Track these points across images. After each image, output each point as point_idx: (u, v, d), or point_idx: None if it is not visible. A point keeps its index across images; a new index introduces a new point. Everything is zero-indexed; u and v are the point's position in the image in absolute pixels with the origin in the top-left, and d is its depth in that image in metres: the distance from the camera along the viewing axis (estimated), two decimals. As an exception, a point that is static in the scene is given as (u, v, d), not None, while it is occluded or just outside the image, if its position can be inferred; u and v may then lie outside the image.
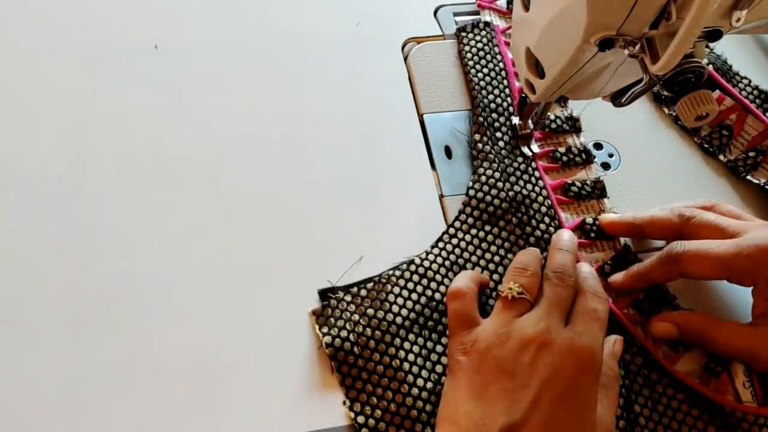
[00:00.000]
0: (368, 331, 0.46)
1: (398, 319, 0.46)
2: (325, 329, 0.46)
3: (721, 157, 0.56)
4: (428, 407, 0.44)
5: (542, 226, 0.51)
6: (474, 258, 0.50)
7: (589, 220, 0.52)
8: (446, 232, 0.51)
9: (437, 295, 0.48)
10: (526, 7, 0.42)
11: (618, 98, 0.46)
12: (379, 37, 0.60)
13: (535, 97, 0.47)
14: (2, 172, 0.51)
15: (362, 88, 0.57)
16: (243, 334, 0.46)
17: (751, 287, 0.46)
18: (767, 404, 0.46)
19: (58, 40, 0.57)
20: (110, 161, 0.52)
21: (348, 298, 0.47)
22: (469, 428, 0.40)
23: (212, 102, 0.55)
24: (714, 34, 0.37)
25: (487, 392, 0.41)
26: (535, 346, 0.41)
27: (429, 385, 0.45)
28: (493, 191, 0.52)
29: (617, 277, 0.50)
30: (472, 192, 0.52)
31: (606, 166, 0.56)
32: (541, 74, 0.44)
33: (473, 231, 0.51)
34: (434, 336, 0.47)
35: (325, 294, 0.47)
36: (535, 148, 0.54)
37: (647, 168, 0.56)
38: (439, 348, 0.46)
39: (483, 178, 0.52)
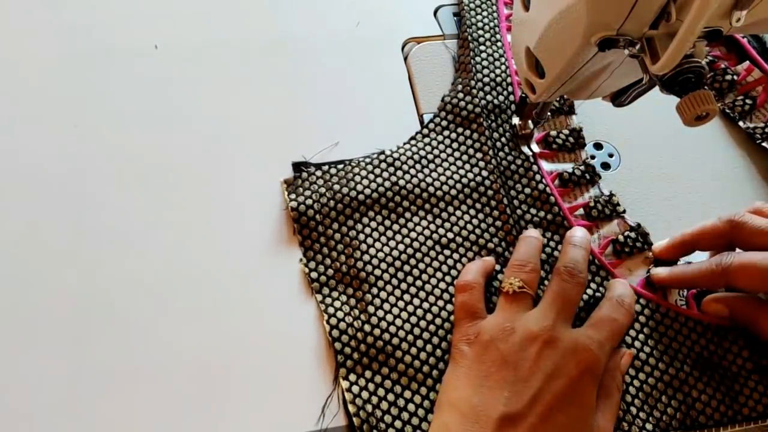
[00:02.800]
0: (332, 203, 0.50)
1: (360, 197, 0.51)
2: (293, 196, 0.51)
3: (741, 123, 0.58)
4: (377, 272, 0.48)
5: (547, 220, 0.52)
6: (443, 155, 0.54)
7: (621, 239, 0.52)
8: (419, 132, 0.55)
9: (401, 182, 0.52)
10: (526, 7, 0.42)
11: (618, 98, 0.46)
12: (379, 37, 0.60)
13: (535, 97, 0.47)
14: (2, 172, 0.51)
15: (362, 88, 0.58)
16: (245, 330, 0.47)
17: None
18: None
19: (58, 40, 0.57)
20: (110, 161, 0.52)
21: (318, 173, 0.52)
22: (467, 414, 0.41)
23: (212, 102, 0.55)
24: (714, 34, 0.37)
25: (488, 381, 0.41)
26: (539, 342, 0.42)
27: (381, 254, 0.49)
28: (468, 98, 0.55)
29: (661, 272, 0.50)
30: (447, 98, 0.56)
31: (606, 166, 0.56)
32: (541, 74, 0.44)
33: (446, 132, 0.55)
34: (393, 216, 0.51)
35: (298, 167, 0.52)
36: (535, 147, 0.54)
37: (647, 168, 0.56)
38: (395, 227, 0.50)
39: (459, 87, 0.56)
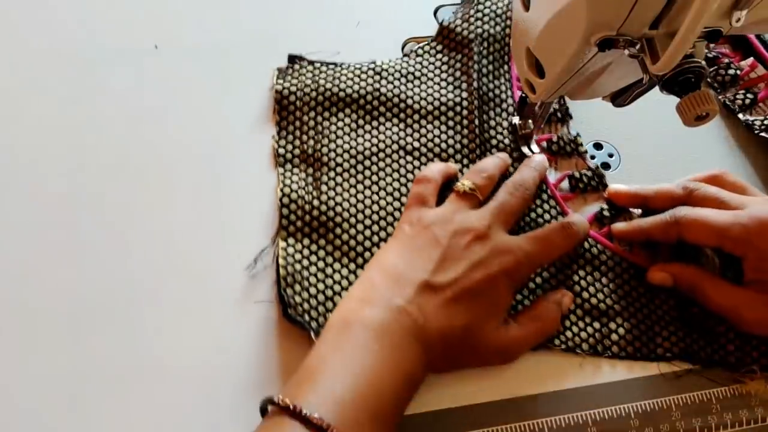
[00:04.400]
0: (314, 93, 0.55)
1: (341, 94, 0.55)
2: (281, 81, 0.55)
3: (740, 116, 0.58)
4: (339, 159, 0.52)
5: (511, 147, 0.54)
6: (430, 74, 0.57)
7: (576, 174, 0.54)
8: (414, 51, 0.59)
9: (383, 89, 0.55)
10: (526, 7, 0.42)
11: (618, 98, 0.46)
12: (379, 37, 0.60)
13: (535, 97, 0.47)
14: (1, 172, 0.51)
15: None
16: (248, 331, 0.47)
17: (743, 258, 0.48)
18: None
19: (58, 40, 0.57)
20: (110, 161, 0.52)
21: (310, 67, 0.56)
22: (392, 274, 0.44)
23: (212, 101, 0.56)
24: (714, 34, 0.37)
25: (417, 253, 0.45)
26: (472, 234, 0.45)
27: (347, 146, 0.53)
28: (465, 24, 0.58)
29: (620, 226, 0.52)
30: (446, 23, 0.59)
31: (606, 166, 0.56)
32: (541, 74, 0.44)
33: (438, 56, 0.58)
34: (367, 117, 0.54)
35: (293, 59, 0.57)
36: (535, 148, 0.54)
37: (647, 168, 0.56)
38: (367, 127, 0.54)
39: (459, 14, 0.59)
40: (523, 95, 0.51)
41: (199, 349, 0.46)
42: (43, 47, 0.57)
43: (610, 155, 0.56)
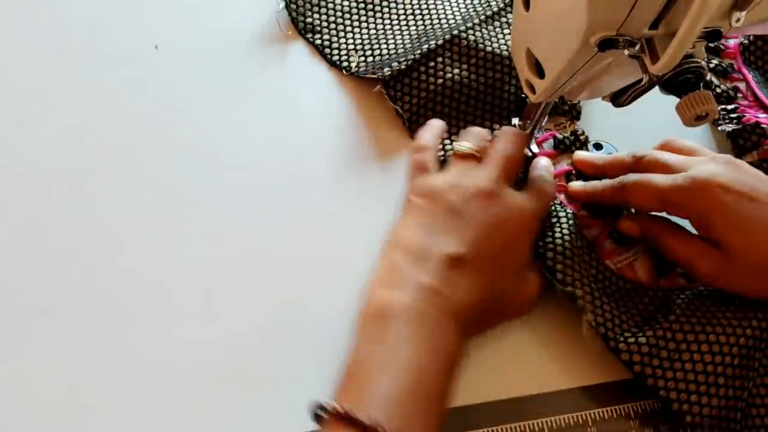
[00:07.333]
0: None
1: None
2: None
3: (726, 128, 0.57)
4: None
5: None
6: None
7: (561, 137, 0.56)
8: None
9: None
10: (526, 7, 0.42)
11: (618, 98, 0.46)
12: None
13: (535, 97, 0.47)
14: (1, 173, 0.51)
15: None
16: (252, 333, 0.47)
17: (688, 220, 0.49)
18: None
19: (58, 40, 0.57)
20: (110, 162, 0.52)
21: None
22: (411, 250, 0.43)
23: (213, 102, 0.56)
24: (714, 34, 0.38)
25: (434, 226, 0.44)
26: (484, 195, 0.45)
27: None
28: None
29: (576, 185, 0.54)
30: None
31: (606, 166, 0.56)
32: (541, 74, 0.44)
33: None
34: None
35: None
36: (534, 148, 0.54)
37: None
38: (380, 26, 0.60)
39: None
40: (523, 95, 0.51)
41: (207, 349, 0.46)
42: (43, 47, 0.57)
43: (610, 155, 0.56)
